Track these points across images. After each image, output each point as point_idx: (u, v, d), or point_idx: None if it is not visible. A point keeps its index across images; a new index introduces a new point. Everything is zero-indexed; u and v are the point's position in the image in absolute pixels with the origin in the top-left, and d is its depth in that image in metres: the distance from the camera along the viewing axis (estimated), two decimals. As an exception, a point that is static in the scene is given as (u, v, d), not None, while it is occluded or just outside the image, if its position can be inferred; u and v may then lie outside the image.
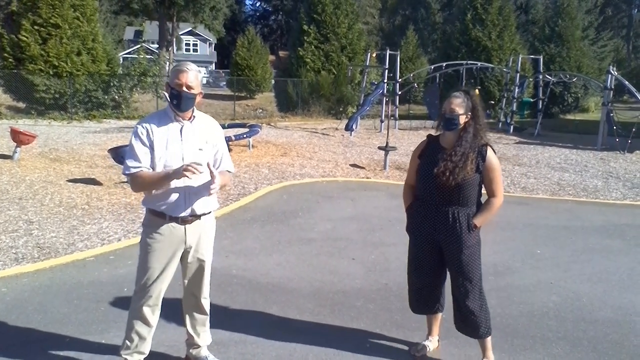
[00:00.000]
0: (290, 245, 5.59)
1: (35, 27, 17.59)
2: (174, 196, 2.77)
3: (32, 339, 3.45)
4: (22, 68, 17.50)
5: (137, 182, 2.75)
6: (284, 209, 7.08)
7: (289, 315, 3.91)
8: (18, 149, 9.72)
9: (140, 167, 2.71)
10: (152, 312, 2.94)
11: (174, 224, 2.81)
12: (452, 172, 2.93)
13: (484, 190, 3.10)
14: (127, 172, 2.74)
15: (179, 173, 2.61)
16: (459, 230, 3.01)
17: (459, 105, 2.98)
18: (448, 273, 3.22)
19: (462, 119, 3.00)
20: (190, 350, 3.15)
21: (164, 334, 3.46)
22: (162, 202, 2.78)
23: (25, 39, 17.43)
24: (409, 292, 3.38)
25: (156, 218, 2.82)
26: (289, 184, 8.67)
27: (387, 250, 5.50)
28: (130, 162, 2.73)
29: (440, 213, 3.04)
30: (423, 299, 3.31)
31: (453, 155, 2.98)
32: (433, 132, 3.22)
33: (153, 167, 2.75)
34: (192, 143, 2.80)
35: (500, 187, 3.07)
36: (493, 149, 3.08)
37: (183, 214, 2.80)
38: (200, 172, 2.63)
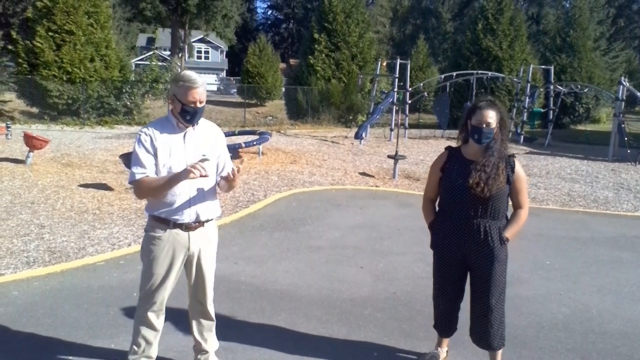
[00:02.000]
0: (298, 253, 5.61)
1: (50, 34, 17.83)
2: (179, 202, 2.77)
3: (42, 342, 3.48)
4: (36, 74, 17.73)
5: (142, 187, 2.73)
6: (292, 217, 7.10)
7: (296, 323, 3.92)
8: (31, 153, 9.84)
9: (146, 172, 2.72)
10: (157, 317, 2.96)
11: (177, 231, 2.82)
12: (487, 183, 2.87)
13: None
14: (133, 179, 2.73)
15: (185, 174, 2.59)
16: (491, 245, 2.94)
17: (493, 118, 2.91)
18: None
19: (495, 131, 2.94)
20: (199, 356, 3.17)
21: (172, 339, 3.49)
22: (167, 208, 2.78)
23: (39, 45, 17.66)
24: (435, 314, 3.34)
25: (160, 224, 2.82)
26: (298, 192, 8.69)
27: (395, 259, 5.50)
28: (135, 169, 2.72)
29: (469, 227, 2.97)
30: (448, 321, 3.28)
31: (486, 165, 2.91)
32: (453, 144, 3.16)
33: (157, 173, 2.75)
34: (195, 149, 2.81)
35: (527, 199, 3.05)
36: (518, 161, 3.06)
37: (187, 221, 2.81)
38: (206, 175, 2.61)
